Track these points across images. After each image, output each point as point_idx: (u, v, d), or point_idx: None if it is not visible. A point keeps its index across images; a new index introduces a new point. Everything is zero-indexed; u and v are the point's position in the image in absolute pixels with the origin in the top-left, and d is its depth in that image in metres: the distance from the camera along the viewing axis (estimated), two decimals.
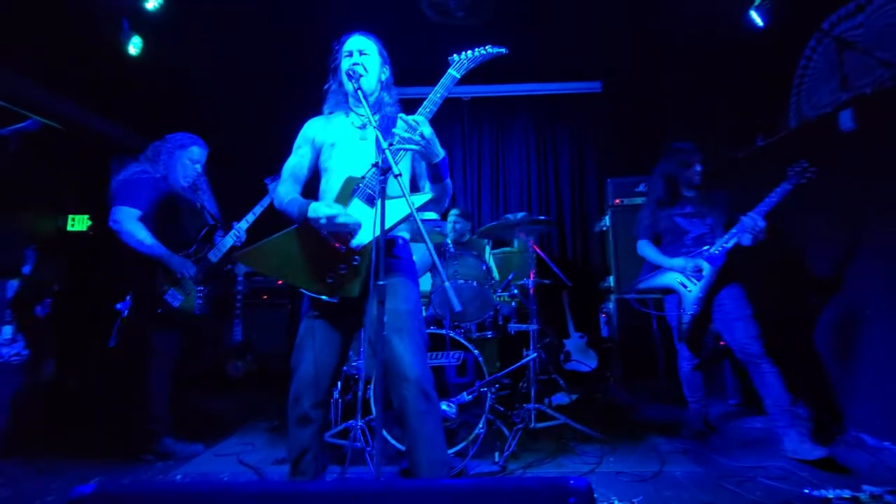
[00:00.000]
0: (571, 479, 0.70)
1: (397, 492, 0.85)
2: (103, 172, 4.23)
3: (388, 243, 1.66)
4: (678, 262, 2.59)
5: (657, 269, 2.71)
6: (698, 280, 2.52)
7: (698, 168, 2.67)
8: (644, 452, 2.50)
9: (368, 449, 2.25)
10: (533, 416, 2.76)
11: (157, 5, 3.23)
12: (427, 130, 1.52)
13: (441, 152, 1.60)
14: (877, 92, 2.66)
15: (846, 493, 1.76)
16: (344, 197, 1.63)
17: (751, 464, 2.28)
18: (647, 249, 2.77)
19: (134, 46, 3.33)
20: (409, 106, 1.78)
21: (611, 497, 1.88)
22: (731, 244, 2.48)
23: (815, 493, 1.80)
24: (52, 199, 3.68)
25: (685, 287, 2.56)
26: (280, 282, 4.37)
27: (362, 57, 1.76)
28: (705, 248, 2.55)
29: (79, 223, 3.92)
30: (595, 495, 1.88)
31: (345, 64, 1.76)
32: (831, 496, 1.75)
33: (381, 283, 1.33)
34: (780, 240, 2.69)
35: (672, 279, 2.62)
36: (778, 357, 2.38)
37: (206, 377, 4.17)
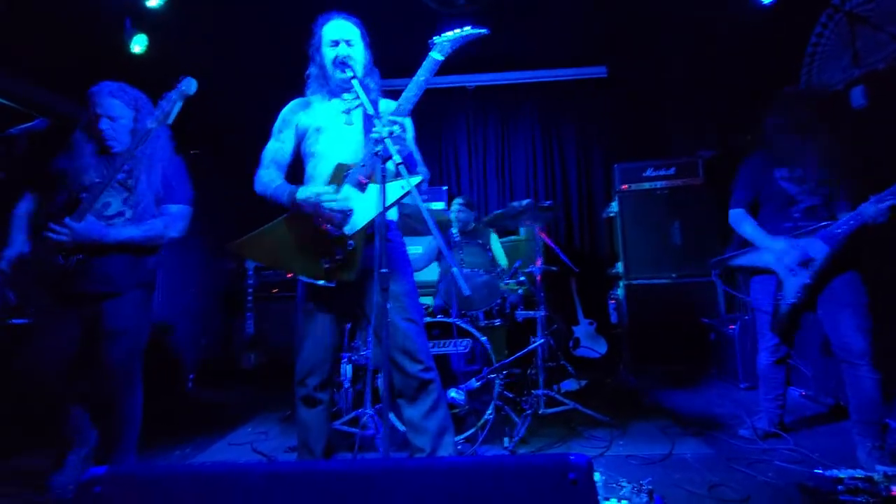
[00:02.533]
0: (572, 455, 0.71)
1: (405, 470, 0.87)
2: None
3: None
4: (780, 245, 2.14)
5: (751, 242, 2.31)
6: (802, 272, 2.10)
7: (812, 119, 2.14)
8: (654, 436, 2.50)
9: (378, 435, 2.29)
10: (542, 402, 2.77)
11: (159, 3, 3.24)
12: (407, 132, 1.57)
13: (407, 149, 1.61)
14: (890, 67, 2.60)
15: (859, 474, 1.74)
16: (335, 183, 1.64)
17: (764, 446, 2.28)
18: (741, 222, 2.30)
19: (138, 44, 3.35)
20: (397, 97, 1.78)
21: (620, 480, 1.89)
22: (855, 224, 1.99)
23: (827, 473, 1.79)
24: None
25: (791, 270, 2.13)
26: (289, 274, 4.41)
27: (350, 49, 1.74)
28: (823, 223, 2.08)
29: None
30: (605, 478, 1.91)
31: (329, 53, 1.73)
32: (843, 476, 1.74)
33: (384, 270, 1.34)
34: None
35: (773, 259, 2.20)
36: (882, 360, 2.02)
37: (220, 369, 4.26)
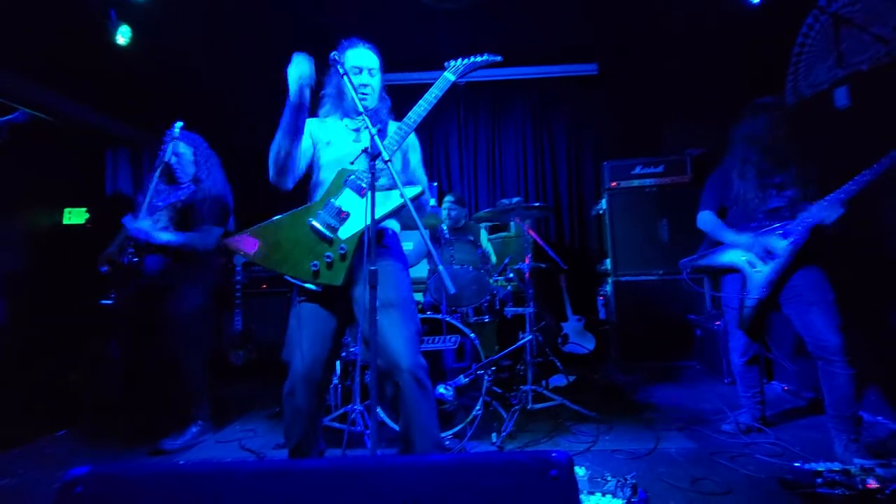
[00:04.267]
0: (553, 452, 0.73)
1: (388, 467, 0.88)
2: (99, 164, 4.23)
3: (377, 234, 1.66)
4: (744, 239, 2.25)
5: (719, 243, 2.40)
6: (764, 266, 2.21)
7: (782, 129, 2.27)
8: (640, 431, 2.54)
9: (367, 432, 2.29)
10: (530, 398, 2.80)
11: None
12: (414, 152, 1.71)
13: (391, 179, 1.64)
14: (873, 68, 2.64)
15: (836, 467, 1.79)
16: (336, 187, 1.65)
17: (746, 440, 2.33)
18: (709, 221, 2.43)
19: (122, 36, 3.29)
20: (401, 93, 1.79)
21: (606, 474, 1.92)
22: (813, 221, 2.11)
23: (806, 466, 1.83)
24: (47, 192, 3.68)
25: (753, 266, 2.24)
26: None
27: (371, 78, 1.78)
28: (782, 223, 2.20)
29: (76, 216, 3.92)
30: (590, 472, 1.94)
31: (352, 79, 1.70)
32: (822, 469, 1.78)
33: (373, 268, 1.34)
34: (872, 218, 2.40)
35: (737, 256, 2.30)
36: (856, 351, 2.07)
37: (208, 365, 4.22)
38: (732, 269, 2.36)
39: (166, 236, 2.50)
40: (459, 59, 1.69)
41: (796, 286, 2.20)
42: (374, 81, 1.80)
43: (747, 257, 2.27)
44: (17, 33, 2.96)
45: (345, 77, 1.57)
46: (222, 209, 2.66)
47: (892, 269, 2.54)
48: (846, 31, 2.85)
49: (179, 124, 2.58)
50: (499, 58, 1.72)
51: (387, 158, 1.39)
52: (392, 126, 1.82)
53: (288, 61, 1.60)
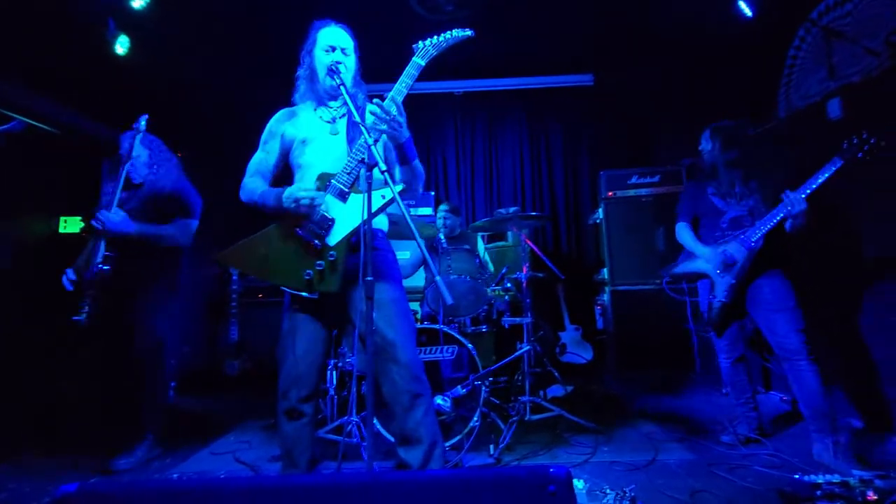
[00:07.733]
0: (552, 467, 0.72)
1: (386, 483, 0.86)
2: (95, 173, 4.22)
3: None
4: (706, 250, 2.42)
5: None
6: (727, 272, 2.34)
7: (738, 148, 2.47)
8: (638, 442, 2.52)
9: (363, 444, 2.27)
10: (528, 409, 2.78)
11: (143, 4, 3.20)
12: (395, 112, 1.54)
13: (406, 132, 1.60)
14: (865, 80, 2.67)
15: (836, 479, 1.78)
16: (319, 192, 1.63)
17: (745, 451, 2.31)
18: (682, 233, 2.61)
19: (121, 46, 3.30)
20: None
21: (604, 486, 1.90)
22: (770, 227, 2.25)
23: (806, 478, 1.82)
24: (43, 201, 3.66)
25: (718, 272, 2.38)
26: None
27: (346, 57, 1.76)
28: (741, 231, 2.34)
29: (71, 225, 3.90)
30: (589, 485, 1.92)
31: (324, 58, 1.74)
32: (821, 481, 1.77)
33: (370, 278, 1.33)
34: (828, 224, 2.52)
35: (705, 264, 2.44)
36: (819, 354, 2.18)
37: (203, 376, 4.18)
38: (703, 275, 2.49)
39: (141, 227, 2.46)
40: (428, 40, 1.64)
41: (759, 293, 2.32)
42: (349, 62, 1.76)
43: (713, 264, 2.42)
44: (15, 42, 2.96)
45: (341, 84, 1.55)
46: (189, 204, 2.65)
47: (855, 272, 2.65)
48: (837, 44, 2.88)
49: (145, 117, 2.56)
50: (469, 32, 1.65)
51: (384, 168, 1.39)
52: (369, 108, 1.80)
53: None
